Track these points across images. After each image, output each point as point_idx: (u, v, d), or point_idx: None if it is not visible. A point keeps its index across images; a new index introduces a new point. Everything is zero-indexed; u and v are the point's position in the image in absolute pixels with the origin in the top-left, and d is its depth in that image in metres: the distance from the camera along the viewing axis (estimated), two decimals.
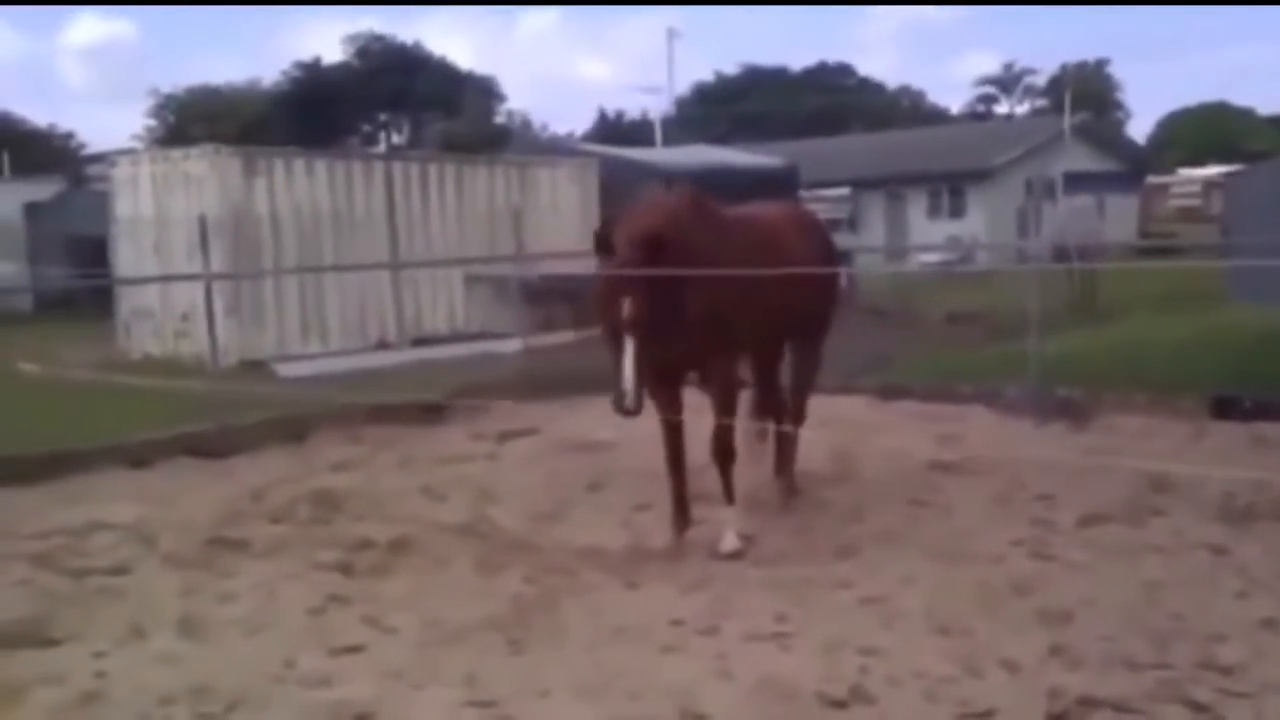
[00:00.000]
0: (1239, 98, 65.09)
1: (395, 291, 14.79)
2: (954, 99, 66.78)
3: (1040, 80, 63.63)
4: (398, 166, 15.38)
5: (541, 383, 10.40)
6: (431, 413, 9.17)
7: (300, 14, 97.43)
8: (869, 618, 4.62)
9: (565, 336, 13.66)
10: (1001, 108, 64.46)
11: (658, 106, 41.81)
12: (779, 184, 19.96)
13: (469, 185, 15.86)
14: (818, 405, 8.84)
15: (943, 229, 30.61)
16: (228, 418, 8.47)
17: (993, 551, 5.43)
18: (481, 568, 5.40)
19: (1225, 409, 8.11)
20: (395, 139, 58.55)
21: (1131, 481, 6.40)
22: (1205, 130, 56.87)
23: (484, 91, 59.03)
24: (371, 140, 58.20)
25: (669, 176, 17.89)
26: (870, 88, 65.38)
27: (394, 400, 9.47)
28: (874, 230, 31.85)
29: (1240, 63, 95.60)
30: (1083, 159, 34.26)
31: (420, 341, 14.62)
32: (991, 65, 79.65)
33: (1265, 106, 62.32)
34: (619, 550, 5.61)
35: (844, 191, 30.13)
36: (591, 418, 9.18)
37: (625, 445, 7.55)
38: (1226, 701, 3.74)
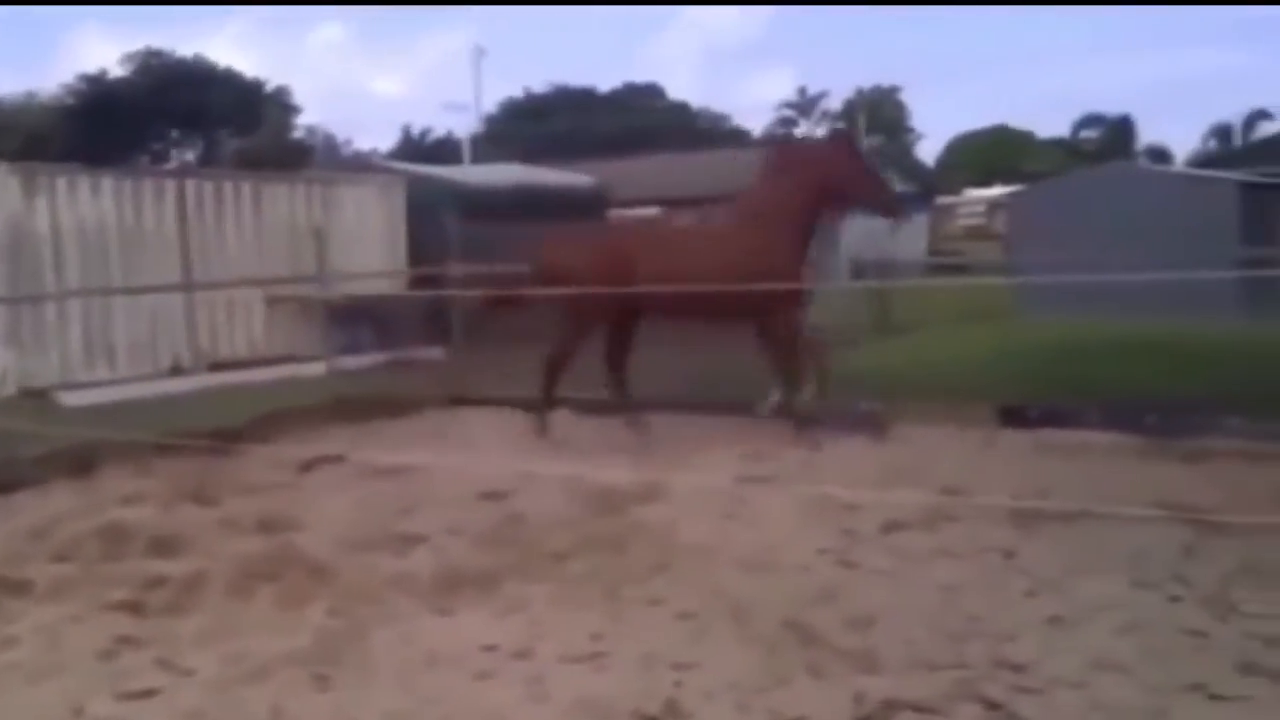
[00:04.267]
0: (1020, 121, 69.16)
1: (189, 314, 14.18)
2: (754, 121, 68.62)
3: (835, 104, 66.23)
4: (191, 184, 14.74)
5: (347, 407, 10.14)
6: (229, 440, 8.79)
7: (73, 18, 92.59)
8: (682, 632, 4.65)
9: (372, 359, 13.37)
10: (800, 130, 66.74)
11: (464, 123, 41.57)
12: (587, 204, 20.09)
13: (268, 203, 15.33)
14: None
15: None
16: (6, 451, 7.93)
17: (800, 561, 5.56)
18: (284, 601, 5.19)
19: (1013, 418, 8.55)
20: (188, 156, 56.27)
21: (926, 489, 6.67)
22: (989, 153, 60.19)
23: (281, 107, 57.43)
24: (162, 157, 55.73)
25: (475, 195, 17.78)
26: (677, 109, 66.67)
27: (188, 428, 9.04)
28: None
29: (1021, 87, 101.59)
30: (901, 179, 35.72)
31: (217, 366, 14.05)
32: (787, 89, 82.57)
33: (1044, 129, 66.59)
34: (429, 577, 5.49)
35: (652, 211, 30.55)
36: (400, 442, 9.01)
37: (436, 470, 7.42)
38: (1019, 698, 3.90)
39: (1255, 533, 5.54)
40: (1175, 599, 4.84)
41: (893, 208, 9.40)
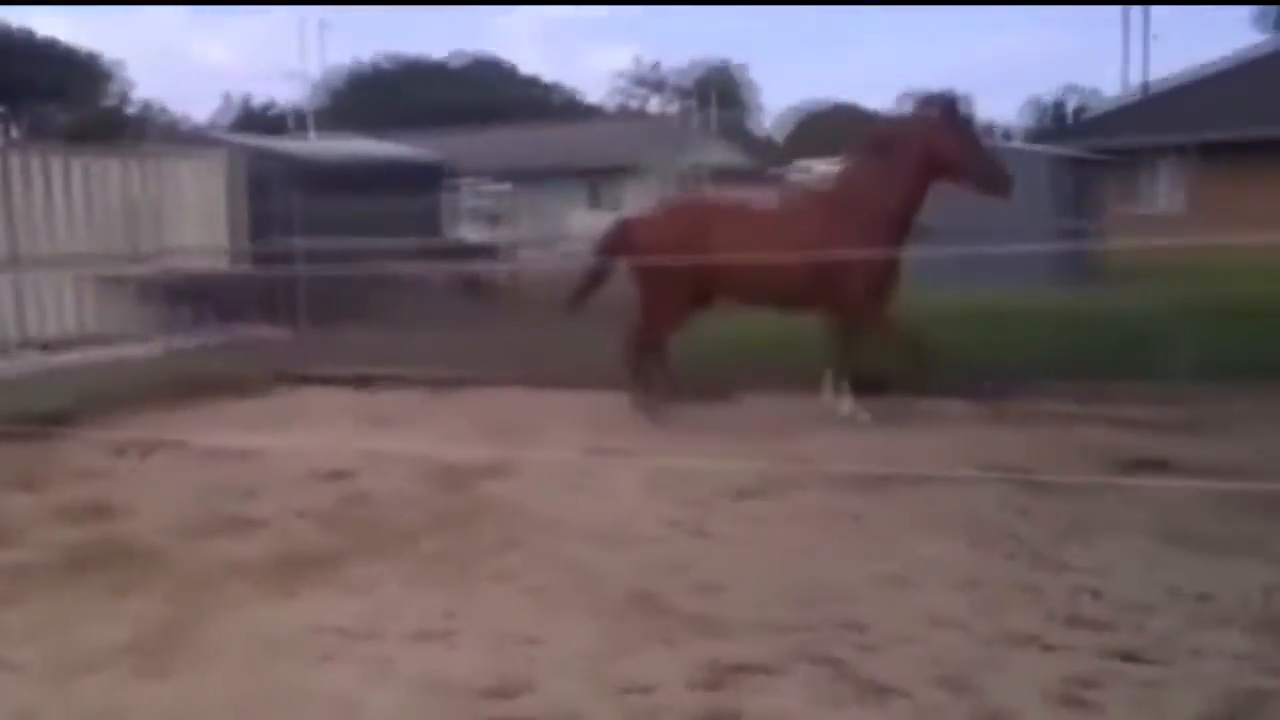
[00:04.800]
0: (866, 99, 70.99)
1: (15, 293, 13.45)
2: (598, 94, 68.62)
3: (682, 79, 66.74)
4: (15, 159, 13.96)
5: (184, 388, 9.78)
6: (59, 424, 8.38)
7: None
8: (533, 607, 4.64)
9: (211, 338, 12.92)
10: (646, 103, 67.10)
11: (302, 95, 40.47)
12: (428, 177, 19.82)
13: (99, 178, 14.59)
14: (477, 398, 8.80)
15: (598, 222, 31.39)
16: None
17: (650, 532, 5.61)
18: (118, 590, 4.98)
19: (858, 384, 8.75)
20: (13, 132, 53.29)
21: (776, 457, 6.81)
22: (826, 128, 61.46)
23: (113, 80, 54.91)
24: None
25: (313, 169, 17.33)
26: (527, 83, 66.16)
27: (16, 412, 8.58)
28: (534, 224, 32.25)
29: (867, 64, 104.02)
30: (724, 154, 36.16)
31: (47, 347, 13.37)
32: (628, 61, 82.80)
33: (877, 106, 68.38)
34: (271, 560, 5.35)
35: (504, 186, 30.31)
36: (240, 423, 8.74)
37: (277, 452, 7.23)
38: (861, 655, 4.02)
39: (1083, 491, 5.83)
40: (1009, 556, 5.04)
41: (1002, 184, 8.26)
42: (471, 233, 24.11)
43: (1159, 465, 6.35)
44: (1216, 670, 3.76)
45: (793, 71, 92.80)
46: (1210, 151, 23.52)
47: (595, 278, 8.87)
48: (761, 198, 9.51)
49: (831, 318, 8.39)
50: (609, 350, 8.85)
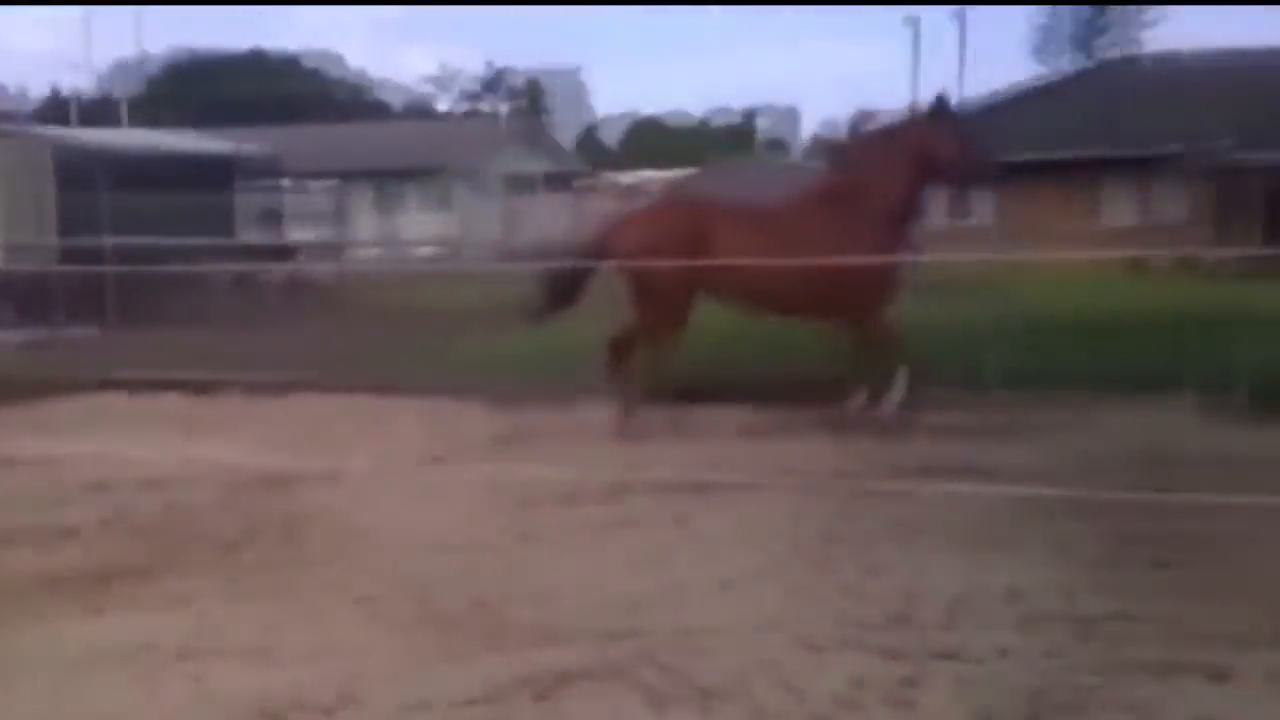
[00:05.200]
0: (690, 106, 72.11)
1: None
2: (433, 94, 67.67)
3: (516, 80, 66.57)
4: None
5: None
6: None
7: None
8: (360, 619, 4.54)
9: (13, 338, 12.21)
10: (482, 105, 66.63)
11: (122, 86, 38.66)
12: (222, 172, 19.19)
13: None
14: (301, 404, 8.55)
15: (432, 223, 31.04)
16: None
17: (482, 540, 5.55)
18: None
19: (685, 395, 8.86)
20: None
21: (612, 462, 6.84)
22: (658, 135, 62.32)
23: None
24: None
25: (95, 160, 16.51)
26: (352, 78, 64.81)
27: None
28: (361, 224, 31.61)
29: (688, 74, 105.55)
30: (558, 159, 36.16)
31: None
32: (464, 61, 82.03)
33: (713, 115, 69.72)
34: (80, 573, 5.07)
35: (331, 183, 29.58)
36: (46, 428, 8.29)
37: (86, 458, 6.87)
38: (691, 660, 4.06)
39: (900, 496, 6.03)
40: (830, 560, 5.17)
41: (990, 176, 8.71)
42: (300, 233, 23.45)
43: (970, 470, 6.63)
44: (1028, 668, 3.94)
45: (621, 79, 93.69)
46: (1015, 170, 24.75)
47: (575, 283, 8.43)
48: (756, 198, 9.02)
49: (838, 324, 8.32)
50: (441, 353, 8.74)
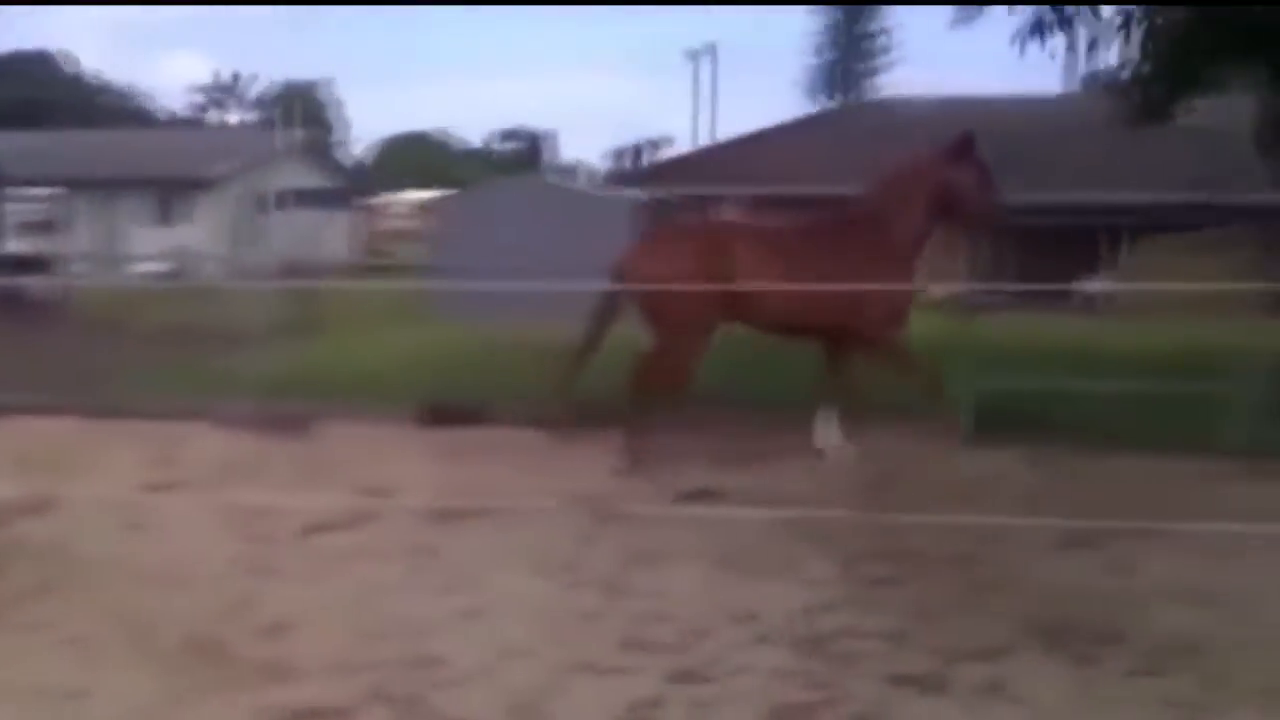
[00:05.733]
0: (449, 128, 71.28)
1: None
2: (169, 102, 64.30)
3: (260, 92, 64.31)
4: None
5: None
6: None
7: None
8: (73, 658, 4.22)
9: None
10: (222, 116, 63.95)
11: None
12: None
13: None
14: (12, 427, 7.96)
15: (165, 237, 29.46)
16: None
17: (210, 572, 5.27)
18: None
19: (432, 417, 8.74)
20: None
21: (351, 490, 6.64)
22: (416, 156, 61.49)
23: None
24: None
25: None
26: (80, 82, 60.78)
27: None
28: (90, 236, 29.64)
29: (447, 95, 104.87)
30: (303, 175, 35.08)
31: None
32: (203, 70, 78.24)
33: (467, 138, 69.40)
34: None
35: (56, 193, 27.62)
36: None
37: None
38: (433, 692, 3.98)
39: (648, 520, 6.11)
40: (578, 585, 5.19)
41: (996, 221, 8.59)
42: (19, 244, 21.77)
43: (713, 494, 6.80)
44: (764, 686, 4.06)
45: (380, 97, 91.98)
46: (764, 202, 25.75)
47: (606, 317, 8.07)
48: (767, 223, 8.71)
49: (849, 348, 8.12)
50: (170, 374, 8.27)
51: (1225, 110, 12.68)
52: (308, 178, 35.00)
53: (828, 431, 7.96)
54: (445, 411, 8.79)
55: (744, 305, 7.71)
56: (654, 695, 3.97)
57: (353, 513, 6.23)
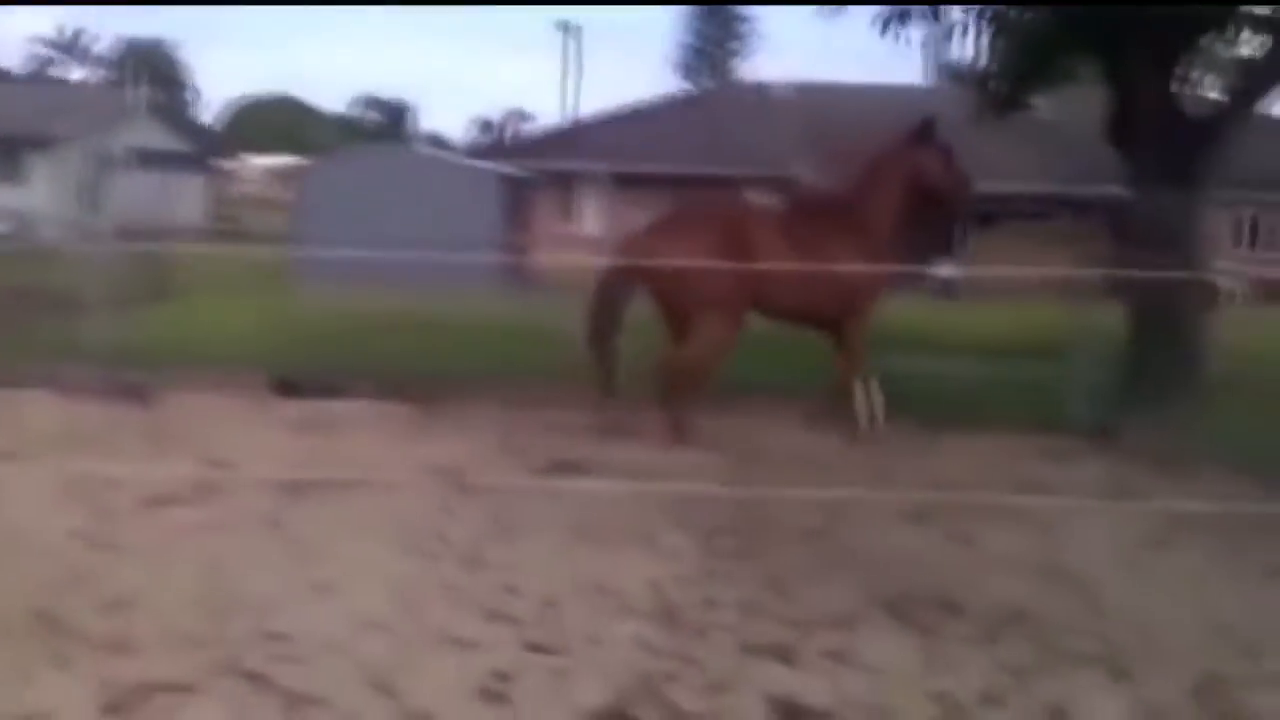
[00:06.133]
0: (304, 93, 69.41)
1: None
2: (6, 57, 60.96)
3: (106, 49, 61.56)
4: None
5: None
6: None
7: None
8: None
9: None
10: (63, 72, 60.94)
11: None
12: None
13: None
14: None
15: (2, 198, 28.03)
16: None
17: (48, 545, 5.05)
18: None
19: (287, 388, 8.55)
20: None
21: (199, 462, 6.45)
22: (273, 121, 59.74)
23: None
24: None
25: None
26: None
27: None
28: None
29: (305, 59, 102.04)
30: (152, 136, 33.75)
31: None
32: (45, 24, 74.19)
33: (327, 104, 67.63)
34: None
35: None
36: None
37: None
38: (281, 667, 3.90)
39: (507, 492, 6.09)
40: (433, 556, 5.14)
41: (966, 208, 8.85)
42: None
43: (575, 466, 6.82)
44: (616, 657, 4.10)
45: (236, 59, 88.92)
46: (624, 180, 25.79)
47: (615, 306, 7.84)
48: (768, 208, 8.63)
49: (838, 331, 8.06)
50: (12, 341, 7.90)
51: (1082, 105, 13.22)
52: (157, 138, 33.65)
53: (863, 404, 7.99)
54: (299, 383, 8.61)
55: (765, 289, 7.64)
56: (507, 666, 3.97)
57: (200, 484, 6.05)
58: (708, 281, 7.40)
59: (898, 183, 8.14)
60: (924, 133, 8.23)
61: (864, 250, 7.83)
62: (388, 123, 66.85)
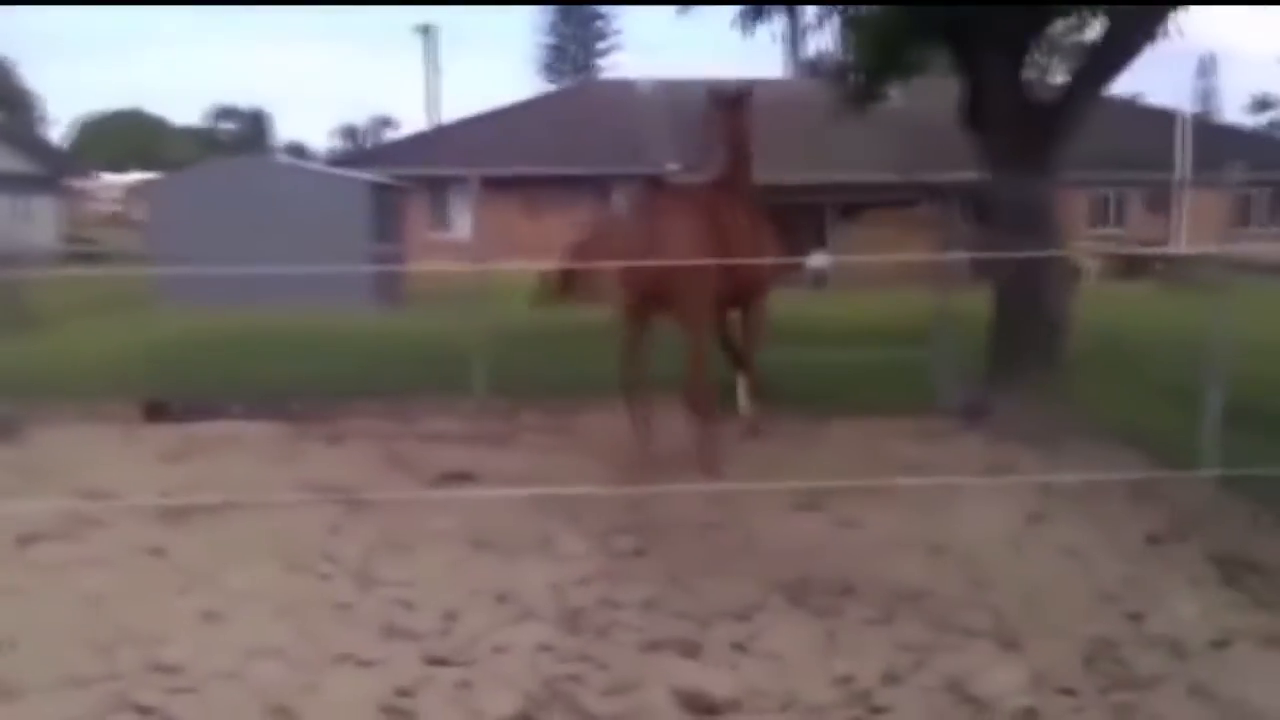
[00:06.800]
0: (153, 107, 67.04)
1: None
2: None
3: None
4: None
5: None
6: None
7: None
8: None
9: None
10: None
11: None
12: None
13: None
14: None
15: None
16: None
17: None
18: None
19: (157, 413, 8.28)
20: None
21: (70, 494, 6.20)
22: (123, 137, 57.75)
23: None
24: None
25: None
26: None
27: None
28: None
29: (152, 72, 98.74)
30: (7, 159, 32.31)
31: None
32: None
33: (178, 117, 65.60)
34: None
35: None
36: None
37: None
38: (172, 699, 3.79)
39: (394, 506, 6.00)
40: (324, 576, 5.04)
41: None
42: None
43: (464, 477, 6.75)
44: (521, 664, 4.08)
45: (79, 74, 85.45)
46: (492, 183, 25.61)
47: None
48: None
49: (747, 314, 7.58)
50: None
51: (937, 93, 13.61)
52: (3, 160, 32.18)
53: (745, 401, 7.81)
54: (169, 407, 8.35)
55: (729, 277, 6.93)
56: (409, 682, 3.92)
57: (74, 518, 5.81)
58: (704, 276, 6.69)
59: (739, 149, 7.49)
60: (744, 98, 7.60)
61: (762, 230, 7.39)
62: (246, 133, 65.19)
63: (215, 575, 5.01)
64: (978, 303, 9.44)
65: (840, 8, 10.72)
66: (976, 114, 9.75)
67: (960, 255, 10.23)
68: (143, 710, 3.71)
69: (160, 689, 3.86)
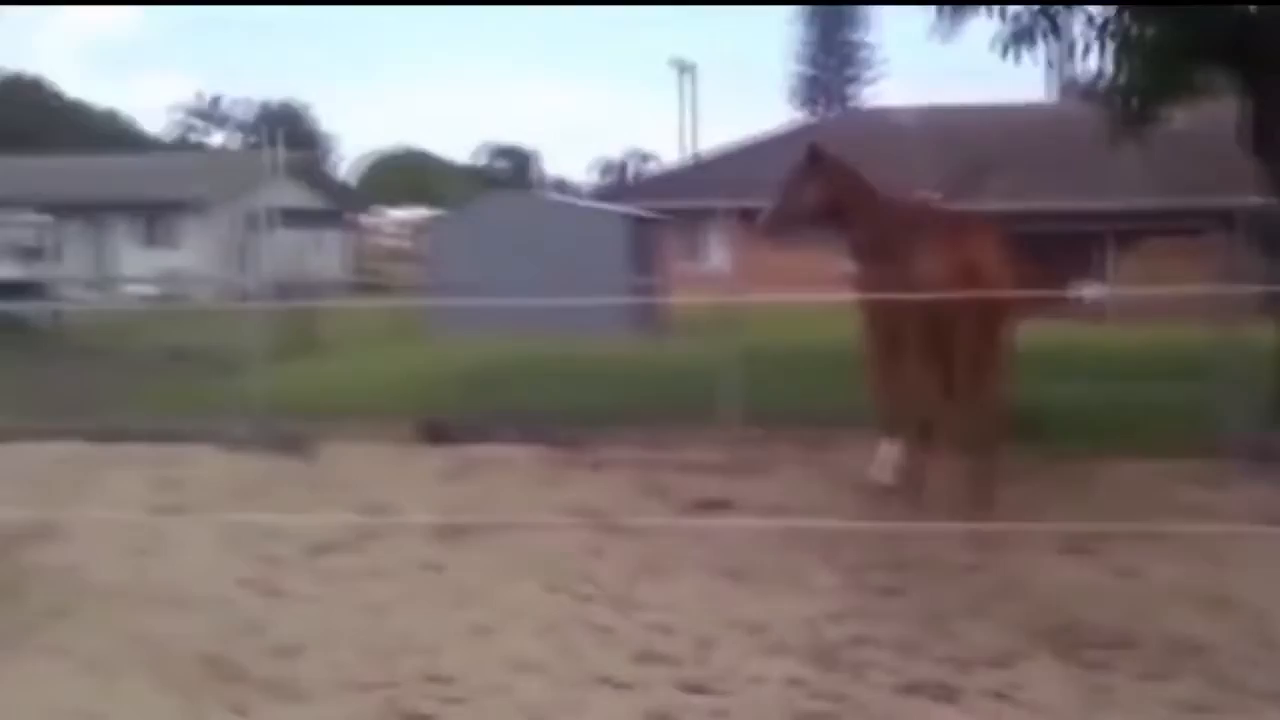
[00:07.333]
0: (430, 144, 71.35)
1: None
2: (150, 124, 63.90)
3: (245, 113, 64.34)
4: None
5: None
6: None
7: None
8: (90, 682, 4.22)
9: None
10: (207, 137, 63.92)
11: None
12: None
13: None
14: (16, 452, 7.96)
15: (154, 260, 29.44)
16: None
17: (220, 594, 5.28)
18: None
19: (435, 434, 8.77)
20: None
21: (355, 510, 6.65)
22: (404, 174, 61.45)
23: None
24: None
25: None
26: (67, 106, 60.63)
27: None
28: (78, 260, 29.59)
29: (434, 112, 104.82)
30: (292, 195, 35.06)
31: None
32: (181, 91, 77.88)
33: (454, 154, 69.42)
34: None
35: (45, 218, 27.50)
36: None
37: None
38: (446, 708, 4.00)
39: (653, 532, 6.14)
40: (585, 598, 5.21)
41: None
42: (8, 269, 21.70)
43: (721, 505, 6.82)
44: (773, 696, 4.08)
45: (362, 115, 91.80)
46: (749, 215, 25.80)
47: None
48: None
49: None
50: (170, 397, 8.29)
51: (1214, 112, 12.79)
52: (296, 197, 34.97)
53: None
54: (446, 429, 8.82)
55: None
56: (665, 707, 3.99)
57: (358, 531, 6.24)
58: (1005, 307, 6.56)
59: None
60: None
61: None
62: (513, 170, 68.19)
63: (486, 591, 5.27)
64: (1265, 336, 8.78)
65: (1111, 28, 10.21)
66: (1260, 138, 9.11)
67: (1248, 287, 9.54)
68: (418, 717, 3.93)
69: (434, 698, 4.08)
